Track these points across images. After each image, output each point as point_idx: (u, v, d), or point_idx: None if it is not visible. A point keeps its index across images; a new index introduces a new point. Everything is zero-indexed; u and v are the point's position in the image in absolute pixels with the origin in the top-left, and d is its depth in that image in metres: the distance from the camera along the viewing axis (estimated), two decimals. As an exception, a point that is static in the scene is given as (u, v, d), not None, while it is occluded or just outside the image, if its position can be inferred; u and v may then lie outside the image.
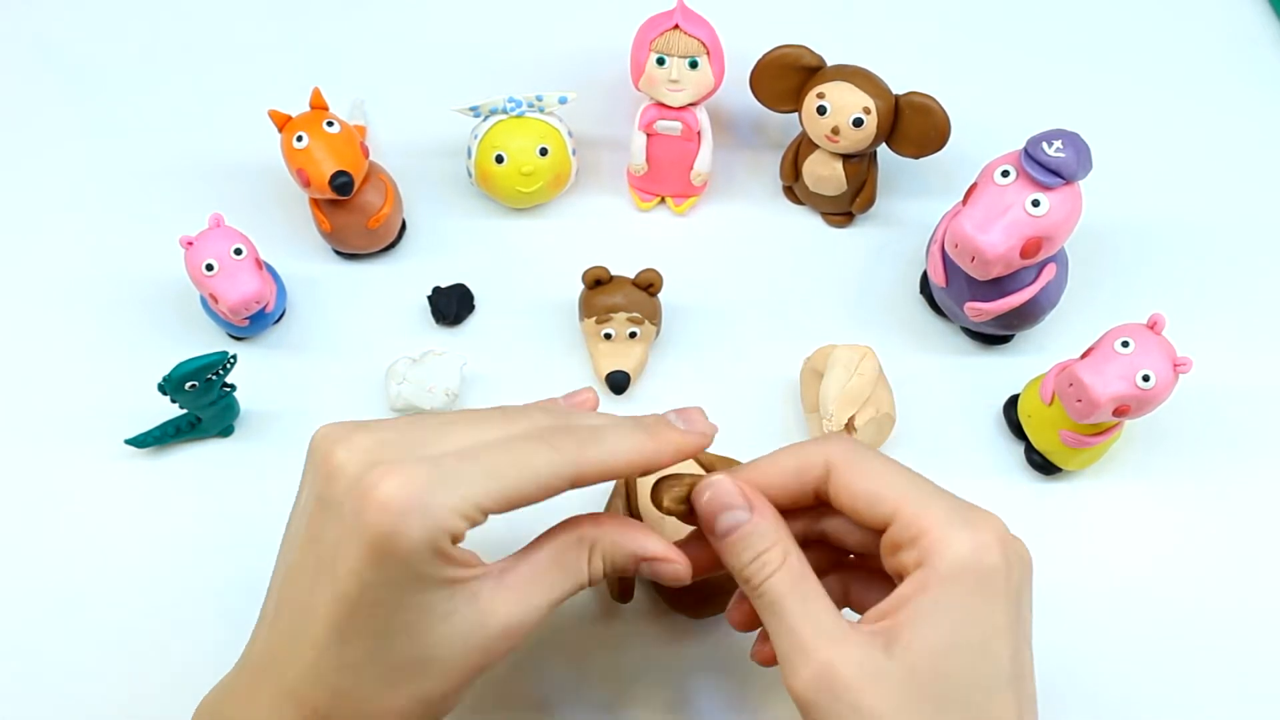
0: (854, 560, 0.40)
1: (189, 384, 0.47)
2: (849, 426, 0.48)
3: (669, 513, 0.38)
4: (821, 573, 0.36)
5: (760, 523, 0.36)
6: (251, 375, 0.52)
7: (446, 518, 0.33)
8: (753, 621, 0.39)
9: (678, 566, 0.37)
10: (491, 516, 0.34)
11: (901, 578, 0.35)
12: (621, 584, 0.46)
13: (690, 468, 0.42)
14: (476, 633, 0.34)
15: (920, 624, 0.33)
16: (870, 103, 0.52)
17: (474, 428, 0.35)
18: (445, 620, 0.34)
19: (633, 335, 0.52)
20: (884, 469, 0.36)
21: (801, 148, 0.56)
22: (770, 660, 0.38)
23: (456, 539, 0.33)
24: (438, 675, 0.34)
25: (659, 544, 0.37)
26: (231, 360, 0.48)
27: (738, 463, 0.40)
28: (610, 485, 0.47)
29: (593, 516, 0.38)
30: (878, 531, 0.36)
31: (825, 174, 0.55)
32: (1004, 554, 0.34)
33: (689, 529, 0.39)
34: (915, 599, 0.34)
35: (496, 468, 0.34)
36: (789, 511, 0.38)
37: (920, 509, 0.35)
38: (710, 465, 0.43)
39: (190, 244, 0.50)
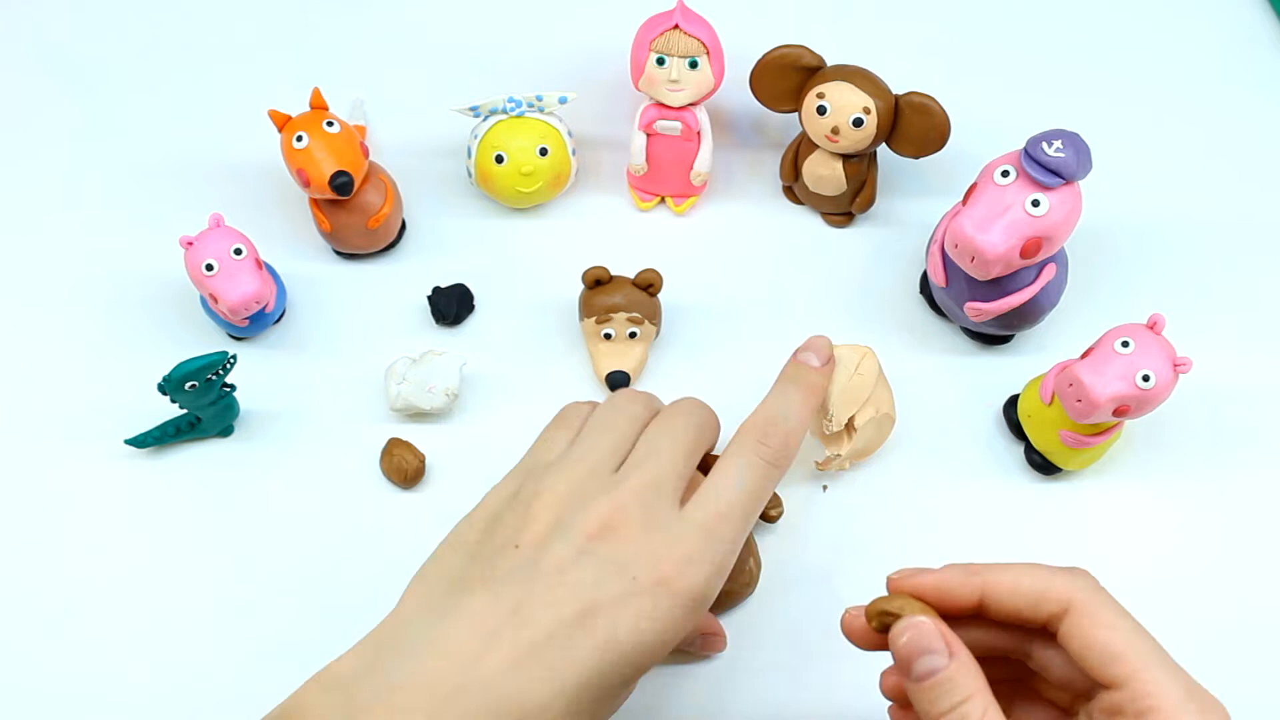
0: (1026, 678, 0.39)
1: (189, 384, 0.47)
2: (849, 426, 0.48)
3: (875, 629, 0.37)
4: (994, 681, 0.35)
5: (959, 671, 0.34)
6: (251, 375, 0.52)
7: (721, 584, 0.39)
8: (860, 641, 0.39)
9: (721, 642, 0.45)
10: None
11: None
12: None
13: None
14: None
15: None
16: (870, 103, 0.52)
17: (686, 452, 0.42)
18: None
19: (633, 335, 0.52)
20: (1126, 624, 0.35)
21: (801, 148, 0.56)
22: (896, 694, 0.39)
23: None
24: None
25: (715, 622, 0.45)
26: (231, 360, 0.48)
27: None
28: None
29: None
30: (1094, 683, 0.35)
31: (825, 174, 0.55)
32: None
33: None
34: None
35: (745, 510, 0.40)
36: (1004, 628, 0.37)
37: (1157, 684, 0.34)
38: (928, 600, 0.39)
39: (190, 244, 0.50)
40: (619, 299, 0.51)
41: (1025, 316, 0.51)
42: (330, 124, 0.52)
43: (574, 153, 0.56)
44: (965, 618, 0.36)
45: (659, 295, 0.52)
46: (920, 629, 0.35)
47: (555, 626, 0.35)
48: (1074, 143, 0.46)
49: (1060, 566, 0.36)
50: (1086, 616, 0.35)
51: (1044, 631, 0.36)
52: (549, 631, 0.35)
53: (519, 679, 0.34)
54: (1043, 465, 0.50)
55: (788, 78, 0.54)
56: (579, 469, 0.40)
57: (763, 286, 0.56)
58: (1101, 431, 0.48)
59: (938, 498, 0.51)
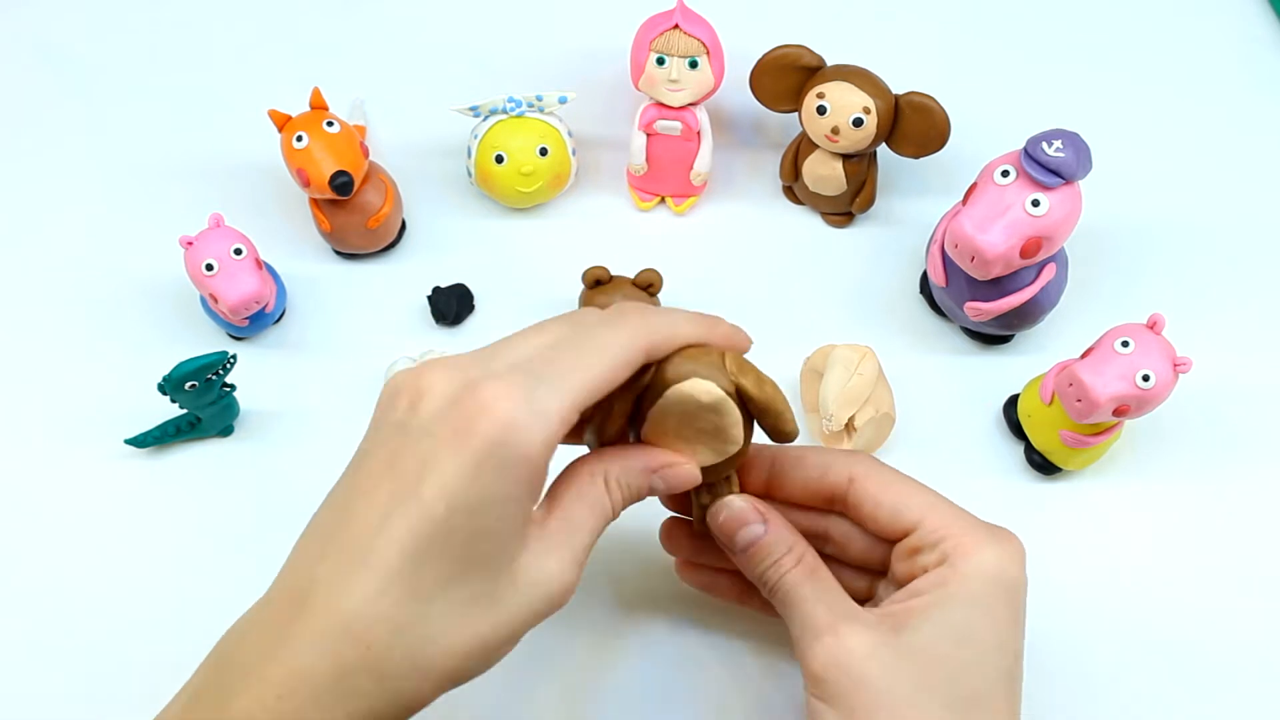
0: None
1: (189, 384, 0.47)
2: (849, 426, 0.48)
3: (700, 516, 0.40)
4: None
5: (774, 532, 0.39)
6: (251, 375, 0.52)
7: (554, 421, 0.32)
8: (693, 583, 0.44)
9: (688, 467, 0.38)
10: None
11: (909, 579, 0.37)
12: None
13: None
14: (535, 577, 0.34)
15: (935, 613, 0.36)
16: (870, 103, 0.52)
17: (539, 334, 0.35)
18: (514, 561, 0.33)
19: (633, 335, 0.52)
20: (907, 481, 0.39)
21: (801, 148, 0.56)
22: (689, 579, 0.44)
23: (555, 446, 0.33)
24: (500, 617, 0.33)
25: (664, 454, 0.38)
26: (231, 360, 0.48)
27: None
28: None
29: (594, 453, 0.38)
30: (890, 541, 0.39)
31: (825, 174, 0.55)
32: (1022, 569, 0.37)
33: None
34: (932, 591, 0.36)
35: (580, 358, 0.34)
36: (798, 508, 0.40)
37: (946, 519, 0.38)
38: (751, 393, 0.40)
39: (190, 244, 0.50)
40: (619, 299, 0.51)
41: (1025, 316, 0.51)
42: (330, 124, 0.52)
43: (574, 153, 0.56)
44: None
45: (659, 295, 0.52)
46: (732, 507, 0.39)
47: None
48: (1074, 143, 0.46)
49: (841, 450, 0.41)
50: (870, 480, 0.39)
51: (837, 512, 0.40)
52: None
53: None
54: (1043, 465, 0.50)
55: (788, 78, 0.54)
56: (471, 355, 0.35)
57: (763, 286, 0.56)
58: (1101, 431, 0.48)
59: (938, 498, 0.51)
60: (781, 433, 0.38)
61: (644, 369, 0.36)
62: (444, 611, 0.32)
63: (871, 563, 0.41)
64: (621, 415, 0.37)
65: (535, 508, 0.35)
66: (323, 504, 0.36)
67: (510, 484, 0.32)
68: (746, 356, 0.39)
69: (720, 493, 0.40)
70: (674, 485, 0.38)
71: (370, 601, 0.31)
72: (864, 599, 0.40)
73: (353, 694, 0.31)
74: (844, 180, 0.55)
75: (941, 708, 0.35)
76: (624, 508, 0.38)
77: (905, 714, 0.34)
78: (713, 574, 0.44)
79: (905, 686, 0.35)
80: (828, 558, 0.41)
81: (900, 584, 0.38)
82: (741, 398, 0.37)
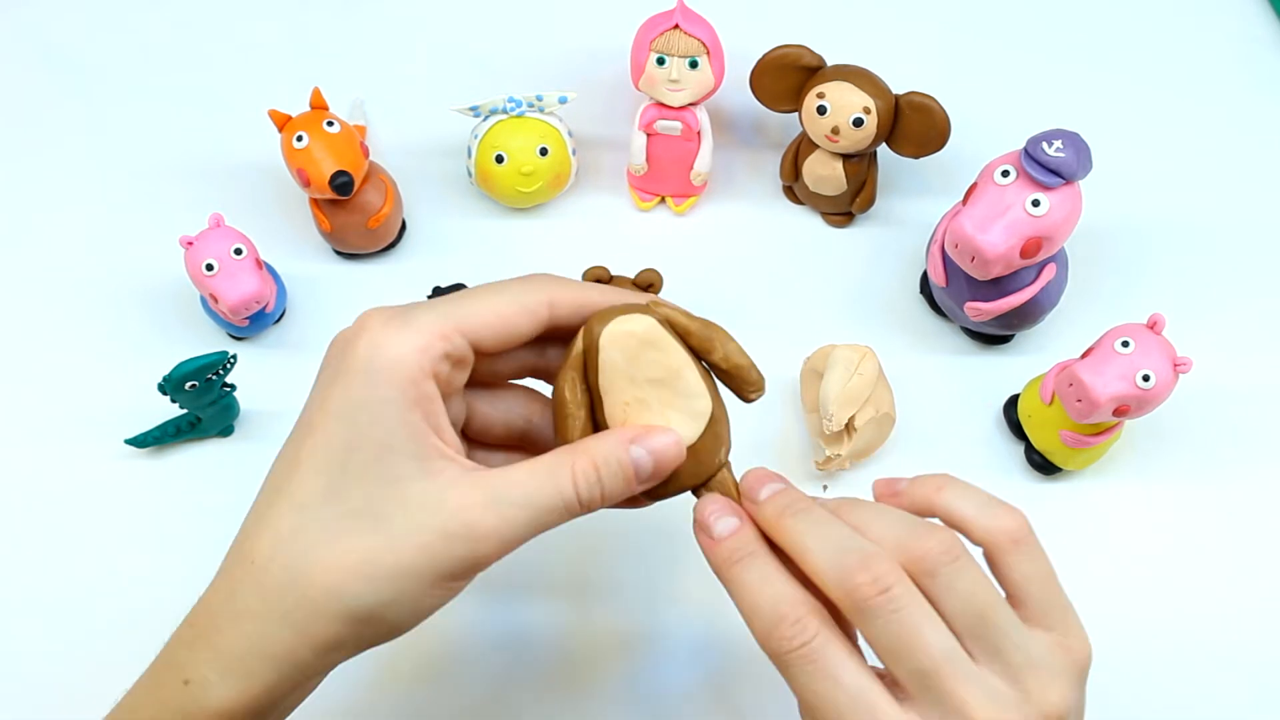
0: None
1: (189, 384, 0.47)
2: (849, 426, 0.48)
3: None
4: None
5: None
6: (251, 375, 0.52)
7: (424, 336, 0.33)
8: None
9: (668, 434, 0.35)
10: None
11: None
12: None
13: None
14: (432, 507, 0.32)
15: None
16: (870, 103, 0.52)
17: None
18: (400, 481, 0.32)
19: (633, 335, 0.52)
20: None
21: (801, 148, 0.56)
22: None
23: (436, 369, 0.33)
24: (383, 540, 0.32)
25: (637, 425, 0.36)
26: (231, 360, 0.48)
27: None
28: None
29: (580, 442, 0.35)
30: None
31: (825, 174, 0.55)
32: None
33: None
34: None
35: (474, 294, 0.35)
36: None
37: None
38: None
39: (190, 244, 0.50)
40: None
41: (1025, 316, 0.51)
42: (330, 124, 0.52)
43: (574, 153, 0.56)
44: None
45: (659, 295, 0.52)
46: (710, 499, 0.36)
47: None
48: (1074, 143, 0.46)
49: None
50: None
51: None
52: None
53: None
54: (1043, 465, 0.50)
55: (788, 78, 0.54)
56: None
57: (763, 286, 0.56)
58: (1101, 431, 0.48)
59: (938, 498, 0.51)
60: (736, 366, 0.36)
61: (574, 339, 0.35)
62: (322, 521, 0.33)
63: None
64: (579, 408, 0.36)
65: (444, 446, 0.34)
66: None
67: (378, 388, 0.33)
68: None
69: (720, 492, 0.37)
70: (660, 455, 0.35)
71: (256, 516, 0.34)
72: None
73: (244, 615, 0.33)
74: (844, 180, 0.55)
75: None
76: (603, 494, 0.34)
77: None
78: None
79: None
80: None
81: None
82: (680, 335, 0.35)
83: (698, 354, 0.36)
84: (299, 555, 0.32)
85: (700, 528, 0.36)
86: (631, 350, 0.35)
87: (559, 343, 0.38)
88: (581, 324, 0.36)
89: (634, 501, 0.37)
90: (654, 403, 0.35)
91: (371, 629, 0.33)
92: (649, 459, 0.35)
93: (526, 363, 0.39)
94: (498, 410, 0.39)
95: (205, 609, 0.35)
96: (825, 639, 0.32)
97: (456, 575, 0.33)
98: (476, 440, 0.39)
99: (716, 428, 0.36)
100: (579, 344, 0.36)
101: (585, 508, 0.34)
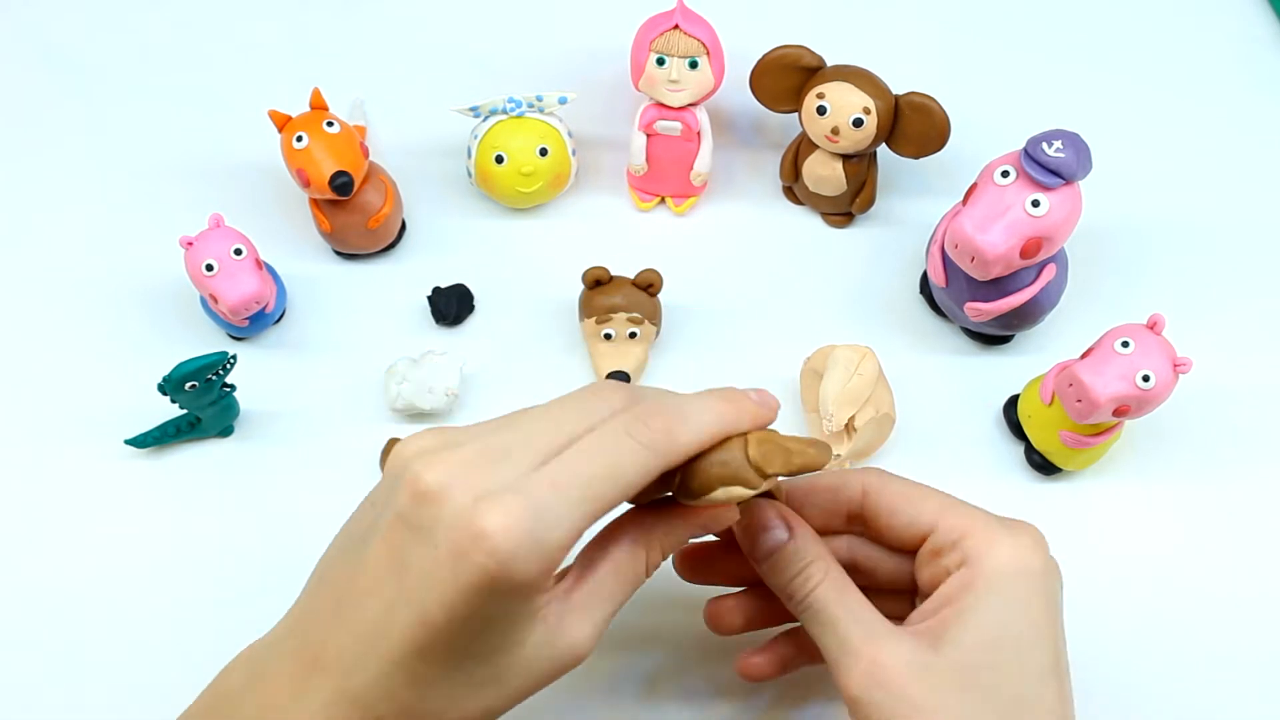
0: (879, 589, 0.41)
1: (189, 384, 0.47)
2: (849, 427, 0.48)
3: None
4: None
5: (801, 541, 0.38)
6: (251, 375, 0.52)
7: (554, 554, 0.32)
8: (762, 674, 0.42)
9: (727, 513, 0.38)
10: None
11: (935, 586, 0.37)
12: None
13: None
14: (546, 653, 0.34)
15: (967, 618, 0.35)
16: (870, 103, 0.52)
17: (555, 425, 0.34)
18: (521, 645, 0.34)
19: (633, 335, 0.52)
20: (919, 486, 0.39)
21: (801, 148, 0.56)
22: (756, 674, 0.41)
23: (556, 569, 0.33)
24: (505, 692, 0.34)
25: (704, 514, 0.37)
26: (231, 360, 0.48)
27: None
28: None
29: (636, 515, 0.37)
30: (911, 552, 0.39)
31: (825, 174, 0.55)
32: (1045, 558, 0.37)
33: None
34: (961, 597, 0.36)
35: (590, 484, 0.33)
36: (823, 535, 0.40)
37: (962, 517, 0.37)
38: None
39: (190, 244, 0.50)
40: (619, 299, 0.51)
41: (1025, 316, 0.51)
42: (330, 124, 0.52)
43: (574, 153, 0.56)
44: None
45: (659, 295, 0.52)
46: (758, 510, 0.38)
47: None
48: (1074, 143, 0.46)
49: (848, 470, 0.40)
50: (883, 490, 0.39)
51: (857, 531, 0.40)
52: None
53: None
54: (1043, 465, 0.50)
55: (788, 78, 0.54)
56: (483, 444, 0.34)
57: (763, 286, 0.56)
58: (1101, 431, 0.48)
59: (938, 498, 0.51)
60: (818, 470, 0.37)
61: (667, 475, 0.35)
62: (447, 694, 0.34)
63: (902, 584, 0.40)
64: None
65: (557, 580, 0.35)
66: (329, 558, 0.36)
67: (508, 606, 0.33)
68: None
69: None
70: (714, 531, 0.38)
71: (377, 682, 0.33)
72: (900, 623, 0.39)
73: None
74: (844, 180, 0.55)
75: (992, 716, 0.34)
76: (658, 567, 0.37)
77: None
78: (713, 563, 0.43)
79: (951, 701, 0.34)
80: (861, 587, 0.39)
81: (927, 592, 0.38)
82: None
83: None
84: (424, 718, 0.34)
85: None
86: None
87: None
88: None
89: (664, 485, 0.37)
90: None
91: None
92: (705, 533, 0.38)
93: None
94: None
95: None
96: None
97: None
98: None
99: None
100: (670, 485, 0.37)
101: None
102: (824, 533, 0.40)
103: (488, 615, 0.32)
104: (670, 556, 0.40)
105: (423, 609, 0.32)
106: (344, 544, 0.36)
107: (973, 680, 0.35)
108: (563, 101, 0.55)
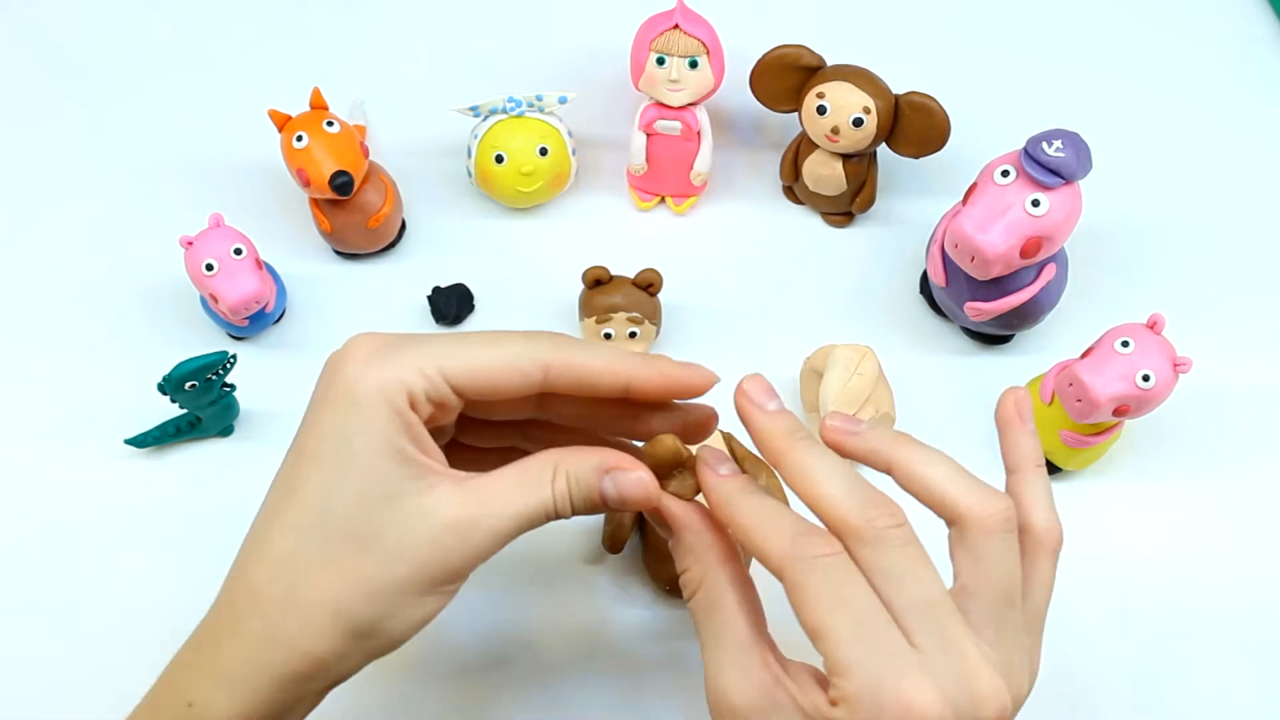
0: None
1: (189, 384, 0.47)
2: (849, 426, 0.48)
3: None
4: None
5: (682, 542, 0.36)
6: (251, 375, 0.52)
7: (405, 371, 0.34)
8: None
9: (641, 474, 0.36)
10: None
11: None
12: (614, 534, 0.46)
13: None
14: (423, 521, 0.33)
15: None
16: (870, 103, 0.52)
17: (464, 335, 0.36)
18: (392, 500, 0.33)
19: (633, 335, 0.52)
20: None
21: (801, 147, 0.56)
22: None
23: (416, 402, 0.34)
24: (380, 558, 0.33)
25: (618, 455, 0.36)
26: (231, 360, 0.48)
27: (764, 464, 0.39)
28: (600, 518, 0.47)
29: (561, 449, 0.36)
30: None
31: (825, 174, 0.55)
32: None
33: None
34: None
35: (467, 342, 0.35)
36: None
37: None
38: (742, 458, 0.44)
39: (190, 244, 0.50)
40: (619, 299, 0.51)
41: (1025, 316, 0.51)
42: (330, 124, 0.52)
43: (574, 153, 0.56)
44: None
45: (659, 295, 0.52)
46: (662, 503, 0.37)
47: None
48: (1074, 143, 0.46)
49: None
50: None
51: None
52: None
53: None
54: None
55: (788, 78, 0.54)
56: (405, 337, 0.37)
57: (763, 286, 0.56)
58: (1101, 431, 0.48)
59: (938, 498, 0.50)
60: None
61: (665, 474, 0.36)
62: (314, 546, 0.33)
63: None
64: None
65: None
66: None
67: (365, 415, 0.33)
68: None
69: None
70: (626, 492, 0.35)
71: (253, 544, 0.35)
72: None
73: (246, 636, 0.33)
74: (844, 180, 0.55)
75: None
76: (573, 508, 0.35)
77: None
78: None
79: None
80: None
81: None
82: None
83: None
84: (298, 576, 0.33)
85: (747, 398, 0.37)
86: None
87: (561, 402, 0.38)
88: (578, 394, 0.36)
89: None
90: None
91: (373, 643, 0.34)
92: (615, 491, 0.36)
93: (527, 415, 0.39)
94: (486, 442, 0.41)
95: (206, 631, 0.35)
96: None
97: (448, 580, 0.34)
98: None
99: None
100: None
101: (561, 516, 0.35)
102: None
103: (347, 440, 0.33)
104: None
105: (296, 450, 0.35)
106: None
107: None
108: (563, 101, 0.55)
